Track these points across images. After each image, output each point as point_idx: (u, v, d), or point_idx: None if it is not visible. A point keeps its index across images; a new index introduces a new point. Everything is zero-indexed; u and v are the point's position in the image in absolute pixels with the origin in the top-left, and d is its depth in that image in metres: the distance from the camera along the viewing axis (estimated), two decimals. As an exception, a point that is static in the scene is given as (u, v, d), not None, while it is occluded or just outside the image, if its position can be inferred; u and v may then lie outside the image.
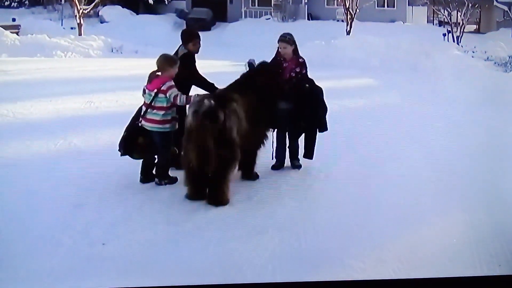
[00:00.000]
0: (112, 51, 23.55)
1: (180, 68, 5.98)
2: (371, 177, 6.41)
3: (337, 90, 12.37)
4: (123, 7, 33.59)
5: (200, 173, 5.42)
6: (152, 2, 35.48)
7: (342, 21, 28.69)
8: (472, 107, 10.57)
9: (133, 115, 6.04)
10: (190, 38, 6.49)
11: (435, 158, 7.19)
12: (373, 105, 10.92)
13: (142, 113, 5.85)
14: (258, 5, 35.00)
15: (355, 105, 10.89)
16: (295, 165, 6.67)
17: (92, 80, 13.61)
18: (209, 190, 5.48)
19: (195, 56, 6.54)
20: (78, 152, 7.24)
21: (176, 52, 6.41)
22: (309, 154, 6.58)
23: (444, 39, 27.15)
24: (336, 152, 7.15)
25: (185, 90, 6.17)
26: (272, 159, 6.58)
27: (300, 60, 6.56)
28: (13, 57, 20.99)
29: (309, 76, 6.57)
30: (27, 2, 37.83)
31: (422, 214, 5.33)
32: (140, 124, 5.85)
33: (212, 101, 5.42)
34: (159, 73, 5.88)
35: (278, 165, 6.63)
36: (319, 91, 6.50)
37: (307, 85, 6.41)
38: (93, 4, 29.01)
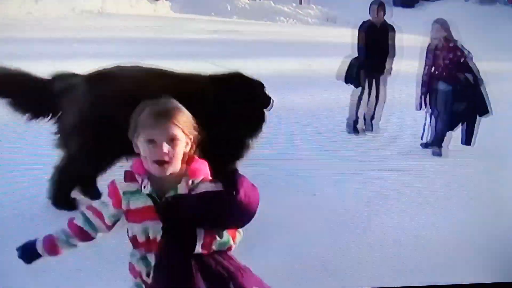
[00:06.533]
0: (327, 20, 25.39)
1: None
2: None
3: None
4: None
5: None
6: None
7: None
8: None
9: None
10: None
11: None
12: None
13: None
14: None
15: None
16: (435, 151, 6.77)
17: (310, 46, 15.40)
18: None
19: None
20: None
21: None
22: (468, 140, 6.62)
23: None
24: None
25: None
26: (422, 138, 6.79)
27: (451, 45, 6.75)
28: (242, 19, 23.43)
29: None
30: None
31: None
32: None
33: None
34: None
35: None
36: (477, 78, 6.58)
37: (465, 74, 6.57)
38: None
